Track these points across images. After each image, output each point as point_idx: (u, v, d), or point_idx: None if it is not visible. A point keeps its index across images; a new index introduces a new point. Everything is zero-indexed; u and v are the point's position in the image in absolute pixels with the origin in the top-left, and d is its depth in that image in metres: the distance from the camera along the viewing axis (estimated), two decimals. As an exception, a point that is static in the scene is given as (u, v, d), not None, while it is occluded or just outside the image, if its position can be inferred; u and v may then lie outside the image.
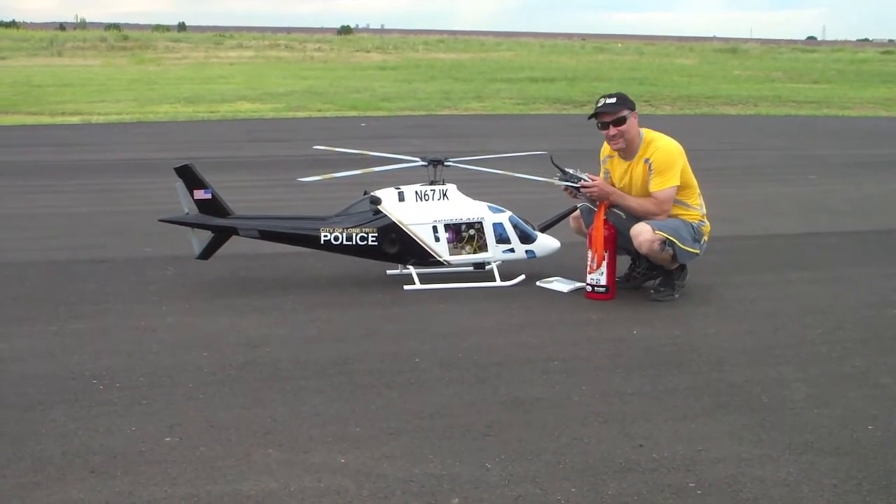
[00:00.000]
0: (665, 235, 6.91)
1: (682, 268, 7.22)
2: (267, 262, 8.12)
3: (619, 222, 7.14)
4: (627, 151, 7.16)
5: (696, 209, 7.20)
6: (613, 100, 7.09)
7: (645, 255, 7.11)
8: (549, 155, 7.38)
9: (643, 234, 6.93)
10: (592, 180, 7.09)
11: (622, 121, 7.03)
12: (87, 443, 4.54)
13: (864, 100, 31.46)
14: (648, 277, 7.42)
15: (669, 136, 7.26)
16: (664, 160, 7.03)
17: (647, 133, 7.20)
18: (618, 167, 7.27)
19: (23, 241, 9.23)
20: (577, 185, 7.08)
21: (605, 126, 7.10)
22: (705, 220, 7.27)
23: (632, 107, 7.11)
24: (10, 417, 4.83)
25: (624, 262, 7.52)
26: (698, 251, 7.19)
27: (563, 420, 4.86)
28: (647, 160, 7.06)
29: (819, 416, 4.94)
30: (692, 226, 7.13)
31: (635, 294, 7.25)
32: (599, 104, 7.13)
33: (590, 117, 7.25)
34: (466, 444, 4.57)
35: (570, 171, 7.17)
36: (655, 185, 7.02)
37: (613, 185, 7.23)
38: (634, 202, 7.11)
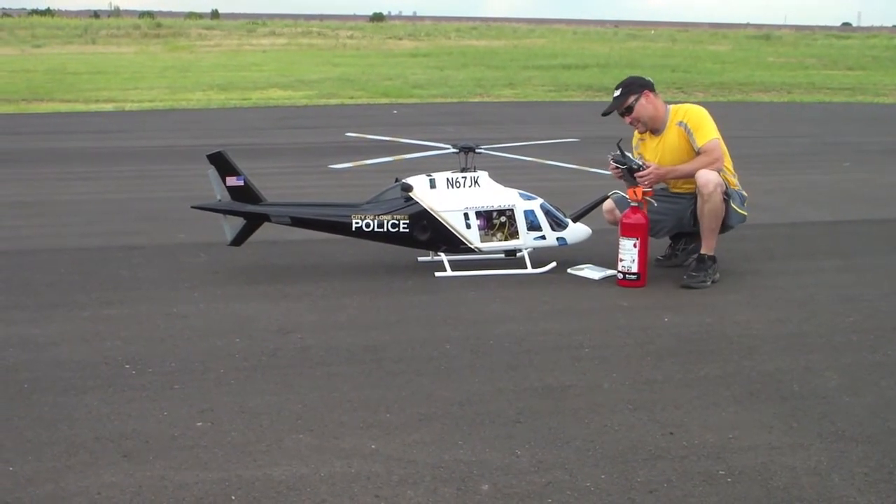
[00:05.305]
0: (726, 179, 7.14)
1: (713, 259, 7.19)
2: (298, 249, 8.15)
3: (667, 210, 7.23)
4: (655, 128, 7.29)
5: (730, 176, 7.31)
6: (618, 91, 7.32)
7: (701, 210, 7.10)
8: (617, 141, 7.34)
9: (706, 174, 7.02)
10: (647, 167, 7.11)
11: (630, 109, 7.23)
12: (120, 427, 4.57)
13: (899, 87, 31.16)
14: (691, 253, 7.49)
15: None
16: (696, 116, 7.23)
17: (673, 105, 7.41)
18: (649, 145, 7.39)
19: (57, 228, 9.31)
20: (633, 169, 7.08)
21: (621, 115, 7.33)
22: (739, 186, 7.42)
23: (638, 90, 7.25)
24: (44, 402, 4.87)
25: (661, 245, 7.53)
26: (746, 213, 7.36)
27: (594, 407, 4.86)
28: (680, 123, 7.21)
29: (850, 405, 4.91)
30: (736, 190, 7.31)
31: (667, 282, 7.23)
32: (612, 100, 7.39)
33: (604, 114, 7.50)
34: (496, 430, 4.57)
35: (630, 155, 7.24)
36: (700, 140, 7.13)
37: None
38: (687, 166, 7.18)
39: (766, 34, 64.91)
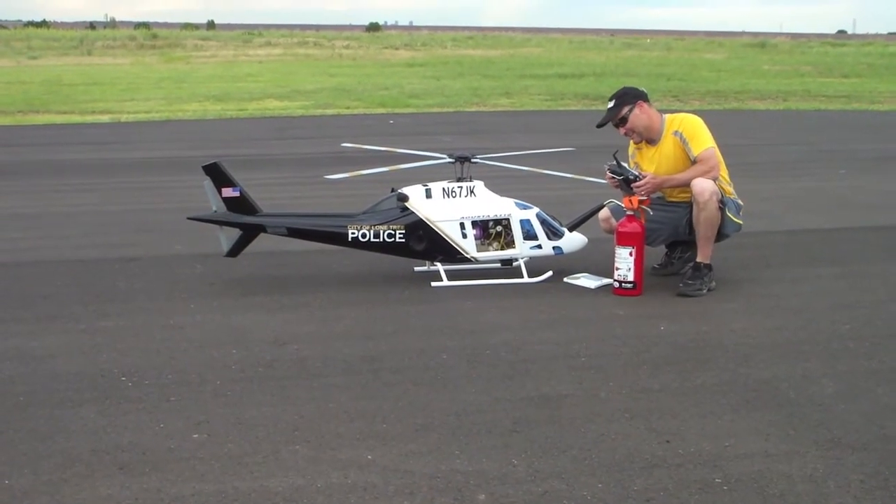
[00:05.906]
0: (721, 188, 7.15)
1: (709, 267, 7.20)
2: (295, 260, 8.15)
3: (663, 219, 7.27)
4: (650, 138, 7.31)
5: (725, 185, 7.33)
6: (612, 103, 7.37)
7: (696, 219, 7.10)
8: (614, 152, 7.36)
9: (702, 183, 7.04)
10: (643, 178, 7.12)
11: (624, 120, 7.27)
12: (116, 440, 4.57)
13: (894, 94, 31.21)
14: (687, 261, 7.48)
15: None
16: (691, 126, 7.25)
17: (669, 115, 7.42)
18: (645, 154, 7.42)
19: (53, 240, 9.31)
20: (630, 179, 7.11)
21: (616, 127, 7.36)
22: (735, 194, 7.43)
23: (632, 100, 7.29)
24: (40, 414, 4.87)
25: (657, 254, 7.54)
26: (741, 222, 7.37)
27: (590, 416, 4.86)
28: (675, 132, 7.24)
29: (847, 412, 4.91)
30: (731, 199, 7.31)
31: (663, 290, 7.23)
32: (606, 111, 7.44)
33: (598, 126, 7.57)
34: (493, 440, 4.57)
35: (626, 165, 7.26)
36: (696, 149, 7.16)
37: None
38: (683, 175, 7.21)
39: (761, 42, 64.98)
